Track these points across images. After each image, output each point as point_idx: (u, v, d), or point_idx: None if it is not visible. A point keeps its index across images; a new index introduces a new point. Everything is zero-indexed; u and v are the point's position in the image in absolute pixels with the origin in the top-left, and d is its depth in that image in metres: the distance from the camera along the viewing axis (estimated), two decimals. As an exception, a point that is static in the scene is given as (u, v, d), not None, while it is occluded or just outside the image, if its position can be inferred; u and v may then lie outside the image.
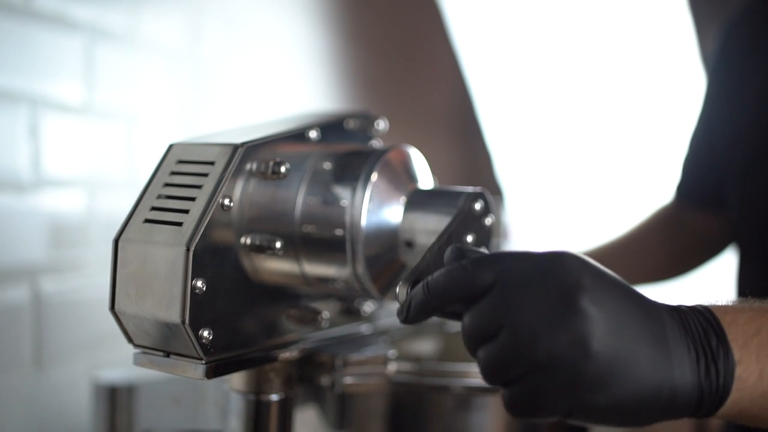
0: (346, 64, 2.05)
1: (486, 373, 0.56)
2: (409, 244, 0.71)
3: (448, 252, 0.60)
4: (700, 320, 0.56)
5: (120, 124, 1.29)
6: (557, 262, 0.55)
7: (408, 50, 2.43)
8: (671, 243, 1.32)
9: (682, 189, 1.31)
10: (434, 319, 1.01)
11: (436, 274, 0.58)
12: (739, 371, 0.54)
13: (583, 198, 2.67)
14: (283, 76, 1.78)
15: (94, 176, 1.24)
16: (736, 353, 0.54)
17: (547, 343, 0.52)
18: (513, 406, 0.55)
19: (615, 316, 0.53)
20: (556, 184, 2.72)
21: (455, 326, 1.06)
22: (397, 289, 0.60)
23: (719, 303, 0.58)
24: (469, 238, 0.70)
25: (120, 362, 1.10)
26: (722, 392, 0.54)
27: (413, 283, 0.60)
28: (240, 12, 1.61)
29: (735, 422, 0.59)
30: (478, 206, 0.71)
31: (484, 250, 0.61)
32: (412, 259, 0.73)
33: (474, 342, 0.56)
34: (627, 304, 0.54)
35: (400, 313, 0.59)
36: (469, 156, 2.69)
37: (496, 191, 2.65)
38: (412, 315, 0.59)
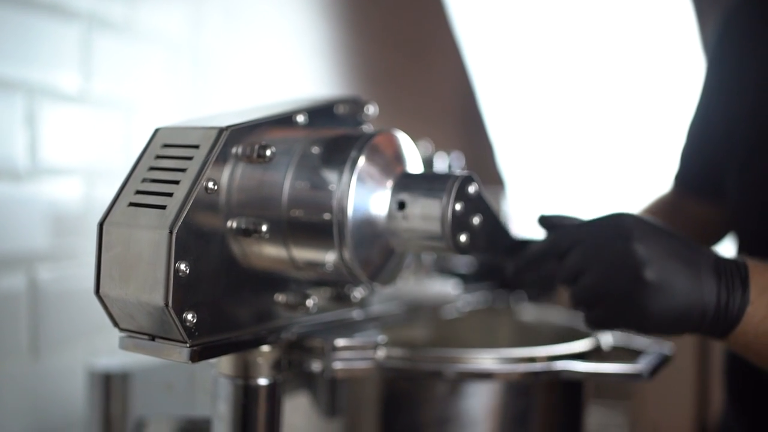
0: (347, 55, 2.05)
1: (574, 302, 0.79)
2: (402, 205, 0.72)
3: (538, 220, 0.83)
4: (731, 266, 0.75)
5: (118, 113, 1.29)
6: (615, 223, 0.76)
7: (410, 41, 2.42)
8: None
9: (680, 178, 1.30)
10: (427, 306, 1.01)
11: (533, 248, 0.81)
12: (749, 309, 0.73)
13: (583, 187, 2.66)
14: (284, 67, 1.78)
15: (92, 165, 1.24)
16: (752, 295, 0.73)
17: (612, 280, 0.74)
18: (590, 323, 0.79)
19: (661, 257, 0.73)
20: (557, 174, 2.71)
21: (448, 313, 1.06)
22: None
23: (754, 261, 0.76)
24: (476, 220, 0.73)
25: (116, 350, 1.10)
26: (734, 320, 0.74)
27: (505, 251, 0.82)
28: (241, 2, 1.61)
29: (743, 356, 0.80)
30: (472, 189, 0.71)
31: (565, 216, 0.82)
32: (397, 244, 0.73)
33: (566, 284, 0.79)
34: (671, 249, 0.74)
35: (513, 274, 0.83)
36: (471, 146, 2.69)
37: (498, 181, 2.64)
38: (519, 279, 0.87)
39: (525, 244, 0.82)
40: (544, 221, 0.82)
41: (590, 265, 0.75)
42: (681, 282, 0.73)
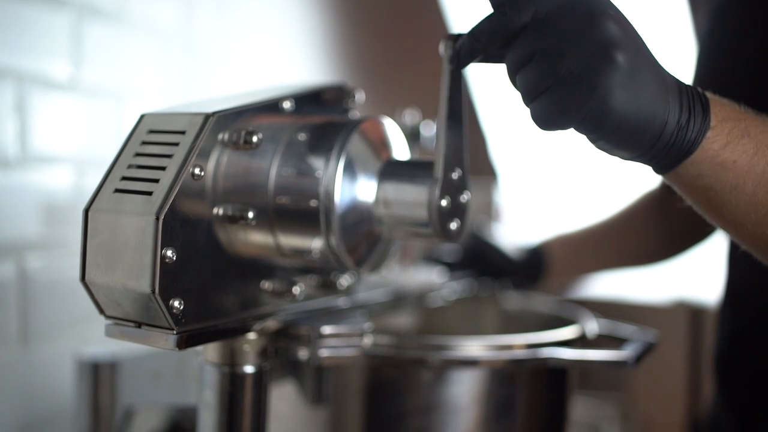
0: (340, 44, 2.05)
1: (521, 91, 0.63)
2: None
3: None
4: (694, 91, 0.65)
5: (109, 102, 1.29)
6: None
7: (403, 31, 2.42)
8: (659, 226, 1.32)
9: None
10: (413, 294, 1.01)
11: (479, 21, 0.64)
12: (709, 134, 0.64)
13: (575, 179, 2.66)
14: (275, 57, 1.78)
15: (83, 154, 1.24)
16: (713, 122, 0.64)
17: (573, 56, 0.60)
18: (537, 117, 0.63)
19: (634, 45, 0.61)
20: (550, 166, 2.71)
21: (433, 301, 1.06)
22: (441, 45, 0.68)
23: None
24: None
25: (105, 339, 1.10)
26: (691, 143, 0.64)
27: (455, 38, 0.67)
28: (232, -9, 1.61)
29: (687, 194, 0.69)
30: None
31: None
32: (384, 231, 0.73)
33: (514, 73, 0.64)
34: (642, 46, 0.62)
35: (451, 60, 0.68)
36: (465, 138, 2.68)
37: (490, 172, 2.64)
38: (462, 60, 0.67)
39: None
40: None
41: (544, 44, 0.61)
42: (649, 81, 0.61)
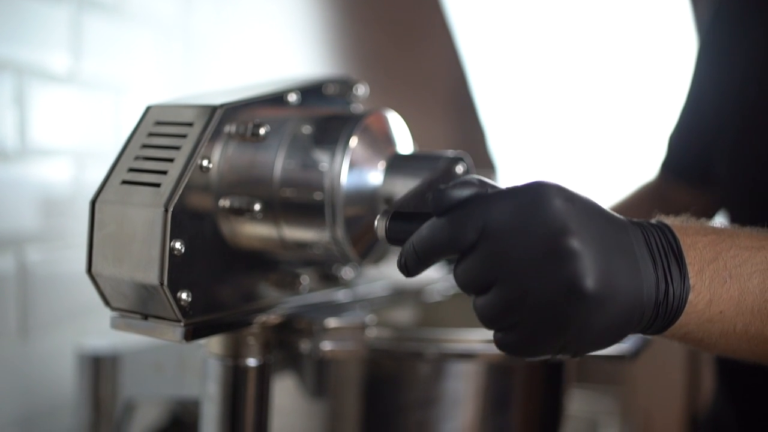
0: (340, 37, 2.04)
1: (482, 321, 0.57)
2: (388, 202, 0.72)
3: (430, 198, 0.58)
4: (662, 241, 0.57)
5: (108, 94, 1.29)
6: (541, 206, 0.55)
7: (402, 23, 2.42)
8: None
9: (667, 164, 1.30)
10: (412, 288, 1.01)
11: (420, 234, 0.58)
12: (691, 297, 0.57)
13: (574, 173, 2.67)
14: (274, 49, 1.77)
15: (82, 146, 1.24)
16: (692, 278, 0.57)
17: (539, 293, 0.54)
18: (506, 349, 0.57)
19: (601, 254, 0.54)
20: (549, 158, 2.72)
21: (430, 296, 1.06)
22: (376, 223, 0.61)
23: (680, 222, 0.60)
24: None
25: (106, 331, 1.10)
26: (674, 314, 0.57)
27: (391, 216, 0.61)
28: (230, -16, 1.60)
29: (680, 342, 0.62)
30: (459, 169, 0.71)
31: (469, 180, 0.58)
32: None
33: (468, 292, 0.58)
34: (607, 236, 0.55)
35: (401, 269, 0.60)
36: (463, 130, 2.69)
37: (489, 165, 2.64)
38: (411, 273, 0.60)
39: None
40: (439, 198, 0.57)
41: (502, 274, 0.55)
42: (623, 284, 0.55)
